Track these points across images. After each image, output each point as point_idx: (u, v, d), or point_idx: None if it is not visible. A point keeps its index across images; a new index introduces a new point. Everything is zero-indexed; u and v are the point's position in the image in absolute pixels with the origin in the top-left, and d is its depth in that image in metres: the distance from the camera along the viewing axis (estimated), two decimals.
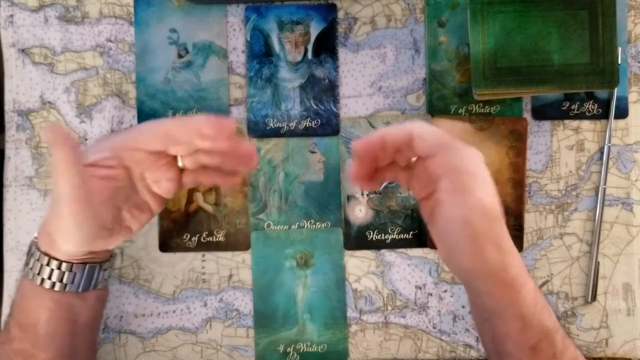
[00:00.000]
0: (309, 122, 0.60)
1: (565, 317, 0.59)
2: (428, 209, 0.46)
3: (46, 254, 0.49)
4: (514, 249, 0.44)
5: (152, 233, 0.60)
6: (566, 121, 0.60)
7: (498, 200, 0.44)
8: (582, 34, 0.55)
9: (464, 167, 0.43)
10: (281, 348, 0.60)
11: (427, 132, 0.45)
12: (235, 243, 0.60)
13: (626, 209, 0.60)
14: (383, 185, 0.60)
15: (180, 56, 0.61)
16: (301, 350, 0.60)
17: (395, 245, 0.60)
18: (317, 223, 0.60)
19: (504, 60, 0.55)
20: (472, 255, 0.43)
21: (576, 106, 0.60)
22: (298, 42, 0.60)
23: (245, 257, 0.60)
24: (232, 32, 0.61)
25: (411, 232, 0.60)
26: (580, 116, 0.60)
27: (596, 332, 0.59)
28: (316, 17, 0.60)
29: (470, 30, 0.56)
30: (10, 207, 0.61)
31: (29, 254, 0.50)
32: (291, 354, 0.60)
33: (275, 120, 0.60)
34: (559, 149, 0.60)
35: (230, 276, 0.60)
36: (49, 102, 0.61)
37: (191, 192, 0.60)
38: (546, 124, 0.60)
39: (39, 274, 0.49)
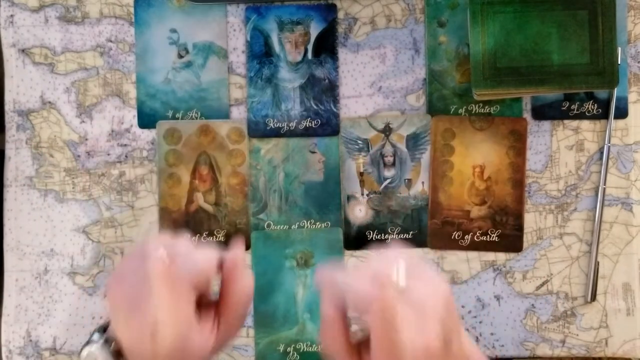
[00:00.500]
0: (309, 122, 0.60)
1: (565, 317, 0.59)
2: None
3: None
4: None
5: (152, 233, 0.60)
6: (566, 121, 0.60)
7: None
8: (582, 34, 0.55)
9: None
10: (281, 348, 0.60)
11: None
12: None
13: (626, 209, 0.60)
14: (383, 185, 0.60)
15: (180, 56, 0.61)
16: (301, 350, 0.60)
17: None
18: (317, 223, 0.60)
19: (504, 61, 0.55)
20: None
21: (576, 106, 0.60)
22: (298, 42, 0.60)
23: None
24: (232, 32, 0.61)
25: (411, 232, 0.60)
26: (580, 116, 0.60)
27: (596, 332, 0.59)
28: (316, 17, 0.60)
29: (470, 31, 0.56)
30: (11, 207, 0.61)
31: None
32: (291, 353, 0.60)
33: (275, 120, 0.60)
34: (558, 149, 0.60)
35: None
36: (49, 102, 0.61)
37: (191, 192, 0.60)
38: (546, 124, 0.60)
39: None
